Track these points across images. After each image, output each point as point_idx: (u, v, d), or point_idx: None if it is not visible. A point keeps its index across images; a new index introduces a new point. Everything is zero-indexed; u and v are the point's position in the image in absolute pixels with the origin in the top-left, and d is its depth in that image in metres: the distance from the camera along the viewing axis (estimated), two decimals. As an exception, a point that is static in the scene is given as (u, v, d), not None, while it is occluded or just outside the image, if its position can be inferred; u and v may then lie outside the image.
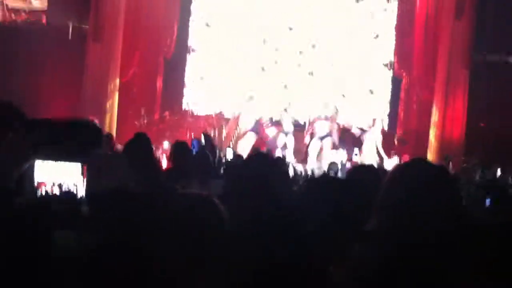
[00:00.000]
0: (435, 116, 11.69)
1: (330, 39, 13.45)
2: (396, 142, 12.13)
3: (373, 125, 11.94)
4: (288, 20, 13.58)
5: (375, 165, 7.17)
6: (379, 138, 11.82)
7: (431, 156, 11.37)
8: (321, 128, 12.35)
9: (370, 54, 13.36)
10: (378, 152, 11.59)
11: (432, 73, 12.01)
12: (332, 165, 8.64)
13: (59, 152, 2.12)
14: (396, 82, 13.15)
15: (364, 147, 11.72)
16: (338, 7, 13.50)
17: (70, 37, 12.84)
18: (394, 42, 13.18)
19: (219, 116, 13.41)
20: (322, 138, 12.17)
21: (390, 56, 13.24)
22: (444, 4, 11.75)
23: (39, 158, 2.19)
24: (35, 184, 2.23)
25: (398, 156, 11.08)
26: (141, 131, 5.10)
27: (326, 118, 12.57)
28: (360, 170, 3.53)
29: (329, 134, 12.19)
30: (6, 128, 1.71)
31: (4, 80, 11.51)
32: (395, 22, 13.20)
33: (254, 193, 2.86)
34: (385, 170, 5.57)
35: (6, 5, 12.80)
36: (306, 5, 13.54)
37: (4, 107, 1.70)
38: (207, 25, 13.92)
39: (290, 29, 13.59)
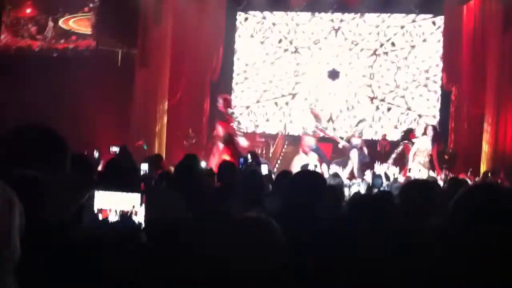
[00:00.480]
0: (486, 131, 11.39)
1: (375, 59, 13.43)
2: (446, 157, 11.83)
3: (424, 133, 11.19)
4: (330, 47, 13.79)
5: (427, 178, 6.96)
6: (431, 146, 11.07)
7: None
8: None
9: (418, 70, 13.29)
10: (430, 162, 10.96)
11: (482, 88, 11.73)
12: (376, 179, 7.73)
13: (118, 184, 2.23)
14: (445, 97, 12.92)
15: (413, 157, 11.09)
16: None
17: (119, 63, 13.23)
18: (441, 57, 13.04)
19: (265, 135, 13.54)
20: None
21: (438, 72, 13.10)
22: (492, 18, 11.52)
23: (99, 189, 2.29)
24: (96, 211, 2.31)
25: (448, 171, 10.74)
26: (190, 152, 5.19)
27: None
28: (417, 186, 3.36)
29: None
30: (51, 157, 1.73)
31: (54, 105, 11.94)
32: (441, 38, 13.09)
33: (298, 215, 2.86)
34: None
35: (56, 29, 13.33)
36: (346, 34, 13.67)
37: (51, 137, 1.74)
38: (250, 49, 14.21)
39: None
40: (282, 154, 13.20)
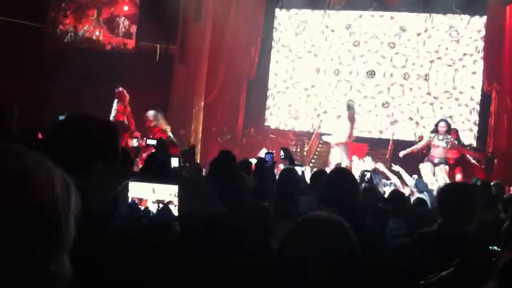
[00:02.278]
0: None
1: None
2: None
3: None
4: (369, 47, 13.72)
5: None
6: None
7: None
8: None
9: (459, 73, 13.10)
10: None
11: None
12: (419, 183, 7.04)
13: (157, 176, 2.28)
14: (485, 100, 12.66)
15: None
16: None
17: (157, 59, 13.44)
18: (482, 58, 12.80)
19: (300, 132, 13.56)
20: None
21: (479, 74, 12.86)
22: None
23: (135, 181, 2.36)
24: (130, 200, 2.39)
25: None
26: (225, 149, 5.22)
27: None
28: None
29: None
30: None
31: (95, 102, 12.21)
32: (482, 42, 12.89)
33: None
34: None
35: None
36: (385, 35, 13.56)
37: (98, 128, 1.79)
38: (288, 47, 14.20)
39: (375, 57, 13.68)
40: (316, 152, 13.17)
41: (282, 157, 6.11)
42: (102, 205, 1.77)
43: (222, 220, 2.55)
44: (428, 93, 13.40)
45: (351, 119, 10.86)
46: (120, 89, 10.74)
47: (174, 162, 5.25)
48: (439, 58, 13.34)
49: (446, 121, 10.21)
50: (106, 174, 1.70)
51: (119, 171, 1.78)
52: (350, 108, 10.81)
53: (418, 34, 13.45)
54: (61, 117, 8.45)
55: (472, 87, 13.12)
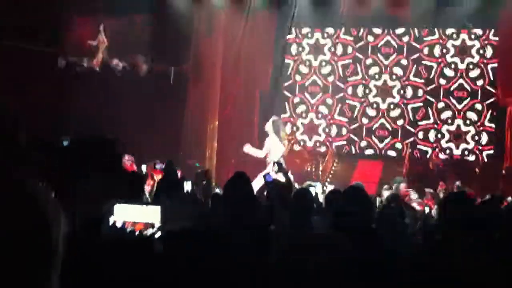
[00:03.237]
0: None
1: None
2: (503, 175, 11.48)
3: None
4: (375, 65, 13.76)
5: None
6: None
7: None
8: None
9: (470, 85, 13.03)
10: None
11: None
12: None
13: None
14: (500, 112, 12.56)
15: None
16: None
17: (172, 81, 13.57)
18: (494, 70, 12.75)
19: (314, 150, 13.54)
20: None
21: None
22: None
23: (120, 203, 2.40)
24: (115, 222, 2.41)
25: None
26: (239, 170, 5.17)
27: None
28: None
29: None
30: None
31: (109, 125, 12.35)
32: (491, 52, 12.88)
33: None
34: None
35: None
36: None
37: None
38: (307, 66, 14.23)
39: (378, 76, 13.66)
40: (331, 171, 13.12)
41: (276, 171, 6.11)
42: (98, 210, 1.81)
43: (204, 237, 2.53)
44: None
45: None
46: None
47: (187, 185, 5.28)
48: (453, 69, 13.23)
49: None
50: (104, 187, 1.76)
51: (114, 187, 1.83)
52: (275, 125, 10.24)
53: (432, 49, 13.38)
54: (65, 143, 8.58)
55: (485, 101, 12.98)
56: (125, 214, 2.40)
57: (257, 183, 7.56)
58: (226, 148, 13.35)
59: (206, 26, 13.40)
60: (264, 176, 5.59)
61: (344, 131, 13.84)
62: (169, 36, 13.05)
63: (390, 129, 13.53)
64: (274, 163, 6.17)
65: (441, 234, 3.07)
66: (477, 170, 12.01)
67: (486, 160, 12.68)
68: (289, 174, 6.22)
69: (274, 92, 13.94)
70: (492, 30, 12.93)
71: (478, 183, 11.63)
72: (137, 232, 2.39)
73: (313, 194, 6.11)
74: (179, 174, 7.33)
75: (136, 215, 2.39)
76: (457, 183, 9.96)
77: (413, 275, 2.83)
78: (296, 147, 13.73)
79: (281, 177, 6.10)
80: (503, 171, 11.69)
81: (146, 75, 13.48)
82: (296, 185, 8.33)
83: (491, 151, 12.72)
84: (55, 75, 13.38)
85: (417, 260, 3.03)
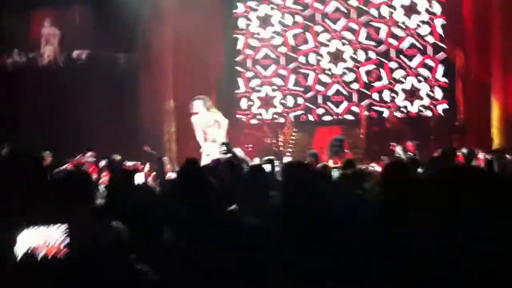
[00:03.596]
0: (495, 99, 11.26)
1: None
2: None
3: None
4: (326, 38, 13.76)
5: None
6: None
7: (497, 140, 11.00)
8: None
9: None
10: None
11: (487, 54, 11.58)
12: None
13: (41, 217, 2.26)
14: (450, 67, 12.76)
15: None
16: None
17: (122, 67, 13.34)
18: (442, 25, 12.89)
19: (274, 124, 13.57)
20: None
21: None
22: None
23: (19, 230, 2.33)
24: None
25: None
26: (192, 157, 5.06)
27: None
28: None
29: None
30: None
31: (61, 113, 12.12)
32: (439, 8, 12.94)
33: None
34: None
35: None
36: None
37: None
38: (254, 38, 14.15)
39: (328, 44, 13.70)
40: (291, 141, 13.22)
41: (224, 152, 6.06)
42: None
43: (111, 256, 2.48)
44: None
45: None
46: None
47: (139, 177, 5.08)
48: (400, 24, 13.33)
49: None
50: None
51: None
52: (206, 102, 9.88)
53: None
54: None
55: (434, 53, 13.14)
56: (34, 239, 2.34)
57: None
58: (184, 133, 13.24)
59: (151, 11, 13.13)
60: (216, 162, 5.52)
61: (300, 100, 13.87)
62: (114, 24, 12.76)
63: (346, 93, 13.60)
64: (221, 144, 6.09)
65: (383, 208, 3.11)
66: (431, 124, 12.20)
67: (442, 114, 12.88)
68: (239, 152, 6.17)
69: (230, 70, 13.84)
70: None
71: (435, 138, 11.93)
72: (49, 256, 2.33)
73: (270, 168, 6.09)
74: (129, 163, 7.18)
75: (44, 238, 2.33)
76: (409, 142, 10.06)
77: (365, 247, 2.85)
78: (254, 121, 13.80)
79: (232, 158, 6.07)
80: (456, 123, 11.95)
81: (94, 65, 13.19)
82: (257, 160, 8.34)
83: (446, 106, 12.91)
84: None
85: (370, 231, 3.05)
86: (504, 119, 11.17)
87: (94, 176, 6.16)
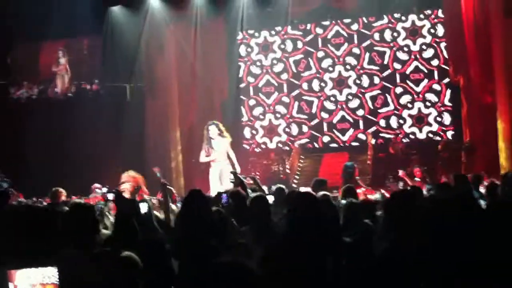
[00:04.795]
0: (500, 120, 11.19)
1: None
2: (463, 151, 11.66)
3: None
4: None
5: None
6: None
7: (504, 162, 10.90)
8: None
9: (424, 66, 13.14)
10: None
11: (490, 75, 11.56)
12: None
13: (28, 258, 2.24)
14: (455, 91, 12.70)
15: None
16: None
17: (128, 98, 13.40)
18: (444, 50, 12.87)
19: (280, 150, 13.52)
20: None
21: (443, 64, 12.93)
22: (491, 5, 11.37)
23: (9, 268, 2.29)
24: None
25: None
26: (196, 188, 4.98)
27: None
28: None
29: None
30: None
31: (68, 147, 12.17)
32: (443, 31, 12.91)
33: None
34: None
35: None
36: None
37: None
38: (258, 66, 14.19)
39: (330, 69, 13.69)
40: (299, 168, 13.15)
41: (232, 181, 6.05)
42: None
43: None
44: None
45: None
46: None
47: (143, 207, 5.01)
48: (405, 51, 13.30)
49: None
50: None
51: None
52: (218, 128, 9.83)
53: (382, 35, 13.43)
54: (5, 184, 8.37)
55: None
56: (28, 279, 2.31)
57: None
58: (190, 158, 13.23)
59: (156, 42, 13.28)
60: (220, 195, 5.49)
61: (304, 128, 13.76)
62: (120, 56, 12.92)
63: (351, 120, 13.50)
64: (231, 173, 6.11)
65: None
66: (439, 148, 12.09)
67: (451, 139, 12.67)
68: (245, 180, 6.17)
69: (234, 98, 13.87)
70: (440, 10, 12.99)
71: (443, 163, 11.81)
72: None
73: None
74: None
75: (40, 277, 2.30)
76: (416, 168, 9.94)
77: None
78: (258, 149, 13.75)
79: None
80: (463, 146, 11.85)
81: (102, 96, 13.28)
82: (265, 187, 8.29)
83: (453, 130, 12.76)
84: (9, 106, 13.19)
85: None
86: (511, 141, 11.07)
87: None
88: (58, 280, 2.35)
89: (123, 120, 12.74)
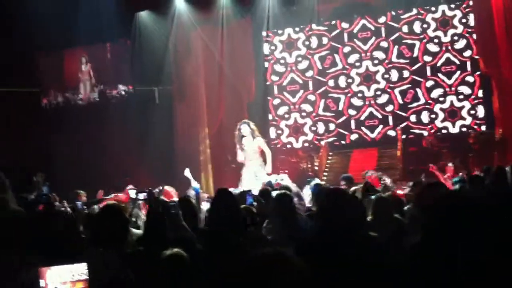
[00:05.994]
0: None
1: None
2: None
3: None
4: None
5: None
6: None
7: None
8: None
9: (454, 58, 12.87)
10: None
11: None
12: None
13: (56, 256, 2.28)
14: (486, 82, 12.40)
15: None
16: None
17: (157, 100, 13.54)
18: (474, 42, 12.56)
19: (308, 148, 13.46)
20: None
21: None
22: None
23: (41, 266, 2.35)
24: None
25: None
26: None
27: None
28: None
29: None
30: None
31: (98, 149, 12.38)
32: (473, 23, 12.58)
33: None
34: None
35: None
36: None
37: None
38: (283, 64, 14.11)
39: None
40: (327, 165, 13.06)
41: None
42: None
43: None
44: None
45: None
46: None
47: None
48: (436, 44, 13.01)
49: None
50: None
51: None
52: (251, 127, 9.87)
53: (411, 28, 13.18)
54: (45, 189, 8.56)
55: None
56: (58, 277, 2.37)
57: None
58: (221, 159, 13.30)
59: (183, 45, 13.40)
60: (245, 195, 5.55)
61: (331, 126, 13.54)
62: (149, 60, 13.08)
63: (380, 117, 13.25)
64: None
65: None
66: (470, 140, 11.84)
67: (485, 130, 12.30)
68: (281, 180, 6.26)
69: (261, 97, 13.86)
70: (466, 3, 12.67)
71: (475, 155, 11.60)
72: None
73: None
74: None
75: (70, 275, 2.36)
76: (449, 164, 9.78)
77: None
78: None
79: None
80: (496, 138, 11.60)
81: (131, 100, 13.47)
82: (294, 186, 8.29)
83: (486, 122, 12.39)
84: (40, 114, 13.49)
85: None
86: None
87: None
88: (88, 277, 2.40)
89: (153, 122, 12.90)
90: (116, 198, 6.70)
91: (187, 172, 8.68)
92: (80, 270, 2.38)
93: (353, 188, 6.49)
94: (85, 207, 6.54)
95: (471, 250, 2.33)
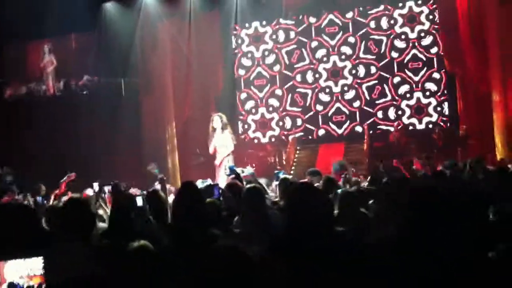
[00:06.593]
0: (496, 109, 11.18)
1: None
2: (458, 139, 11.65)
3: None
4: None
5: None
6: None
7: (499, 150, 10.91)
8: None
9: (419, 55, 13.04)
10: None
11: (485, 64, 11.52)
12: None
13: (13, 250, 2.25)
14: (450, 80, 12.61)
15: None
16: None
17: (123, 93, 13.36)
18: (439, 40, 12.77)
19: (275, 143, 13.48)
20: None
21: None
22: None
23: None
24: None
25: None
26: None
27: None
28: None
29: None
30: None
31: (65, 142, 12.16)
32: (437, 20, 12.78)
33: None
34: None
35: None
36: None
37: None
38: (249, 58, 14.08)
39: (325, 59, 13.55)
40: (295, 159, 13.12)
41: (228, 174, 6.08)
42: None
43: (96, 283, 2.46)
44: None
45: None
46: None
47: (139, 201, 5.03)
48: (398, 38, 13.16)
49: None
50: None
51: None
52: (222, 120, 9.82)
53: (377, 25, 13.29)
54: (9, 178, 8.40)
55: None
56: (15, 271, 2.33)
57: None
58: (189, 152, 13.22)
59: (150, 37, 13.23)
60: (212, 188, 5.50)
61: (299, 121, 13.61)
62: (115, 52, 12.86)
63: (347, 112, 13.36)
64: (226, 168, 6.15)
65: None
66: (435, 137, 12.04)
67: (449, 126, 12.55)
68: (242, 173, 6.20)
69: (229, 92, 13.79)
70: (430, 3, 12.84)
71: (440, 151, 11.80)
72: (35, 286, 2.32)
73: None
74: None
75: (26, 269, 2.32)
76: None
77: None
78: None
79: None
80: (459, 134, 11.84)
81: (97, 92, 13.25)
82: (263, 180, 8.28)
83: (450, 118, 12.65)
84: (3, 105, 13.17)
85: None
86: (506, 127, 11.07)
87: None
88: (43, 272, 2.35)
89: (119, 115, 12.72)
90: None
91: (151, 166, 8.62)
92: (37, 264, 2.34)
93: (316, 184, 6.53)
94: (45, 201, 6.42)
95: (448, 245, 2.36)
